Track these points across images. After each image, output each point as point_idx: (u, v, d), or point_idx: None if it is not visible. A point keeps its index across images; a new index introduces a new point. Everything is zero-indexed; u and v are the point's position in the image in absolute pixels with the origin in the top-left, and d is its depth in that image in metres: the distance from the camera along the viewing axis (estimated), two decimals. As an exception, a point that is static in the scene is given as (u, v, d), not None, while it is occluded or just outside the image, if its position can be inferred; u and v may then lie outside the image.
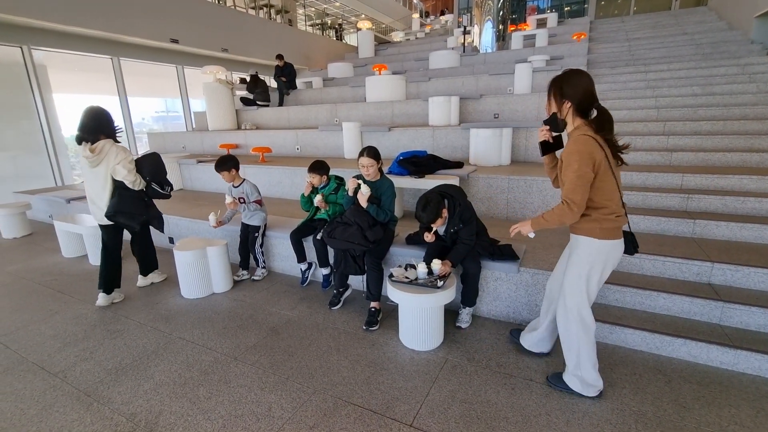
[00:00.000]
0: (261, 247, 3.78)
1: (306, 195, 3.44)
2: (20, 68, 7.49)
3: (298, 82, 9.94)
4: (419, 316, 2.53)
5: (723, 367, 2.33)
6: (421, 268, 2.62)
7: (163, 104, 11.39)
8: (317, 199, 3.35)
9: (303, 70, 13.38)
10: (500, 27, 10.73)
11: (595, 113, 1.84)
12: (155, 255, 3.78)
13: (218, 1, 11.46)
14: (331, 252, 3.37)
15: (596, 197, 1.84)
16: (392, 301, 2.64)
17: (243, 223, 3.77)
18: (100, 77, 9.04)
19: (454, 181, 3.74)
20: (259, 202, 3.70)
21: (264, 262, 3.83)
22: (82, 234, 4.41)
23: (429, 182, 3.77)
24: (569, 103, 1.84)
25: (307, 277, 3.63)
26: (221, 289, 3.57)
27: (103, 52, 8.72)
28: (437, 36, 16.55)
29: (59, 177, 8.12)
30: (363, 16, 24.65)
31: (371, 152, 2.97)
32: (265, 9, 13.56)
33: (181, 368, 2.48)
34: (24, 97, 7.59)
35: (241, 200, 3.64)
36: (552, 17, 12.61)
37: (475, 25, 11.19)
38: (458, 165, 4.42)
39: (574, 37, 9.70)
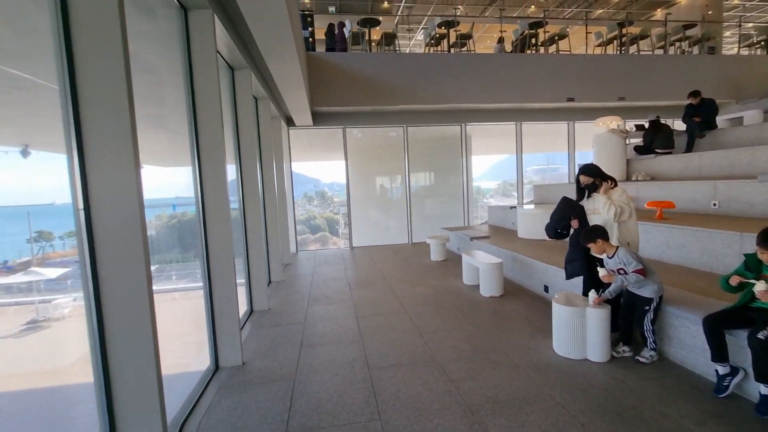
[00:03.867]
0: (652, 325, 3.10)
1: (732, 284, 2.53)
2: (456, 140, 10.40)
3: (720, 119, 7.81)
4: None
5: None
6: None
7: (543, 158, 12.41)
8: (759, 290, 2.35)
9: (728, 104, 10.45)
10: None
11: None
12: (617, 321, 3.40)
13: (619, 51, 11.13)
14: (779, 363, 2.24)
15: None
16: None
17: (628, 290, 3.26)
18: (503, 140, 11.04)
19: None
20: (641, 272, 3.06)
21: (655, 343, 3.12)
22: (478, 267, 5.38)
23: None
24: None
25: (727, 386, 2.59)
26: (596, 357, 3.21)
27: (510, 119, 10.58)
28: None
29: (467, 219, 10.53)
30: None
31: None
32: (677, 44, 11.82)
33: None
34: (456, 160, 10.48)
35: (620, 272, 3.17)
36: None
37: None
38: None
39: None
